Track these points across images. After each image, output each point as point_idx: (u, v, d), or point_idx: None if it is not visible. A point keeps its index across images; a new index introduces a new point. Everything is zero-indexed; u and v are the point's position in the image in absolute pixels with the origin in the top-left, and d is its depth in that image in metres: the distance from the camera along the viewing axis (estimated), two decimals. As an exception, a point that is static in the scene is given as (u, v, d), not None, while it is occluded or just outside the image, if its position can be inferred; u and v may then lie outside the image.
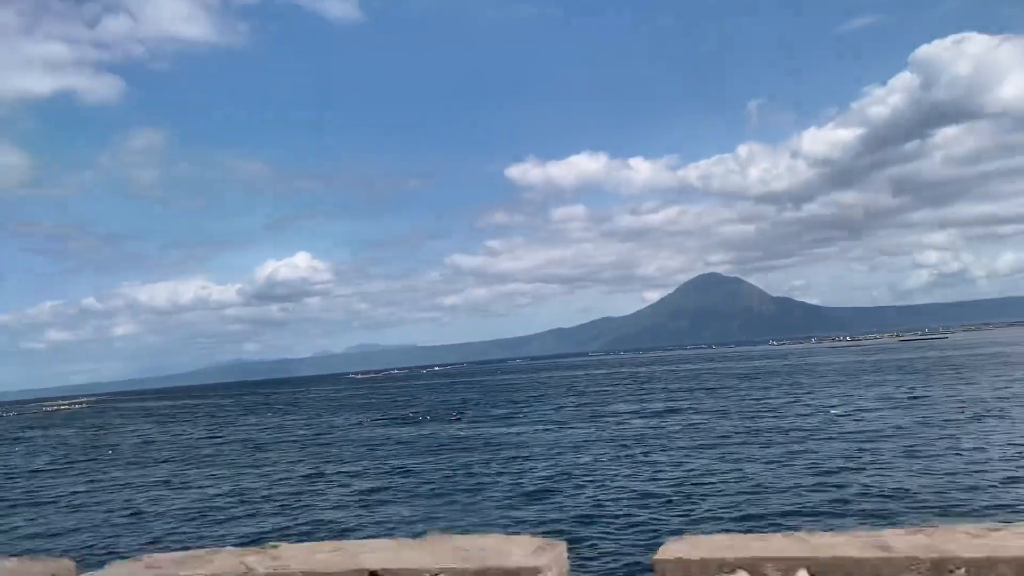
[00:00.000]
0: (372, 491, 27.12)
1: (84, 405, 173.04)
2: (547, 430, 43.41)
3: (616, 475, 26.43)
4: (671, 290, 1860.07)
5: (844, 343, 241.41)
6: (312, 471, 33.06)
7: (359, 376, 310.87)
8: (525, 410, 60.11)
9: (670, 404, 54.92)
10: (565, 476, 27.09)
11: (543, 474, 27.97)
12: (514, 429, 45.15)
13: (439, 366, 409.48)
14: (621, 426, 42.66)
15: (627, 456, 30.90)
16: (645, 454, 31.08)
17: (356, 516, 22.90)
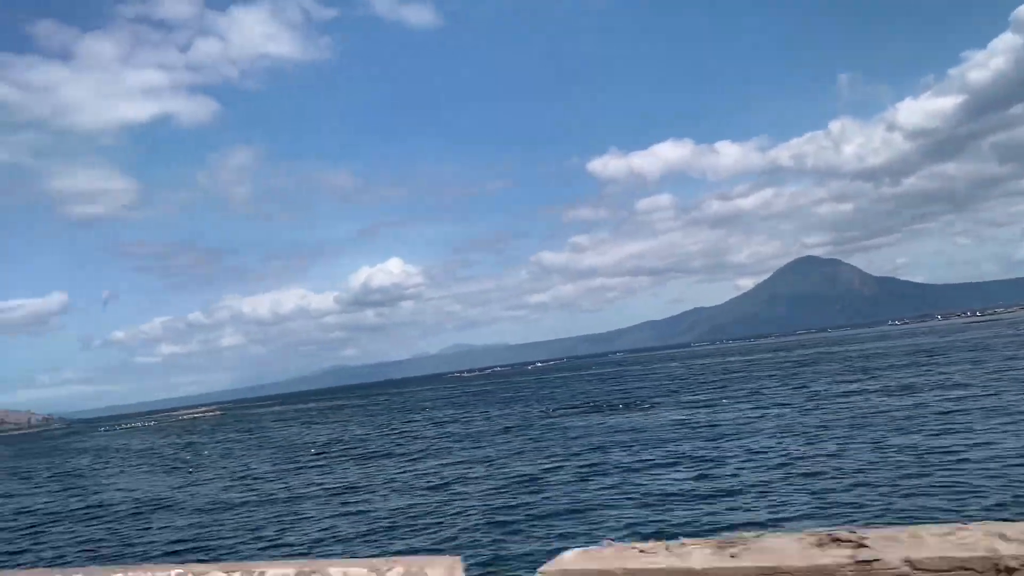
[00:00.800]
0: (756, 482, 23.91)
1: (218, 412, 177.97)
2: (760, 414, 39.52)
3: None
4: (766, 276, 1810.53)
5: (981, 318, 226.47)
6: (599, 461, 29.72)
7: (466, 374, 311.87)
8: (703, 396, 56.22)
9: (872, 384, 50.01)
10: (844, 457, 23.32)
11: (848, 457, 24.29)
12: (728, 414, 41.52)
13: (541, 362, 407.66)
14: (851, 408, 38.32)
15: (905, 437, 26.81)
16: (936, 433, 26.92)
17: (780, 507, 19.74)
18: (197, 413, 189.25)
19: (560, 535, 17.84)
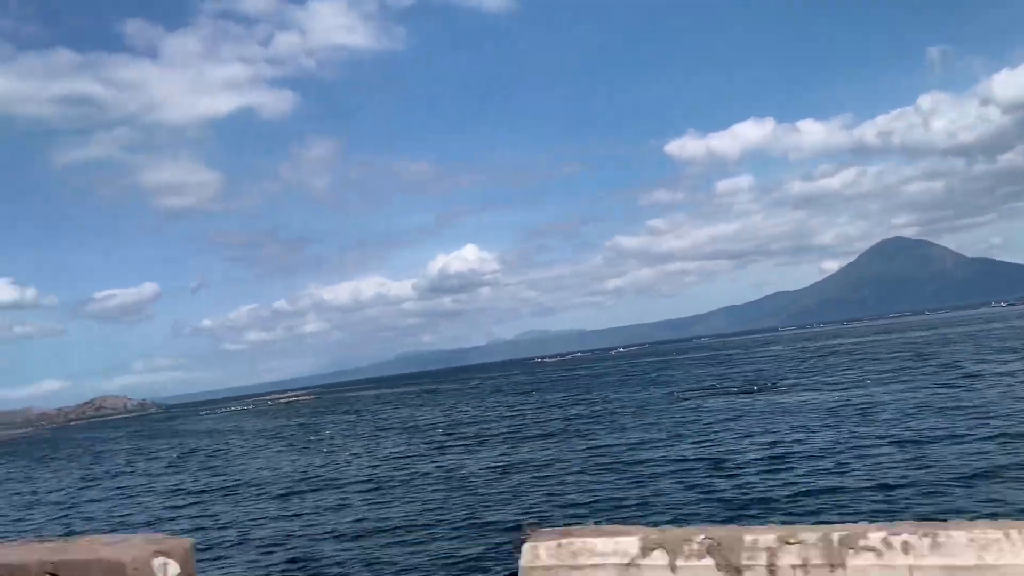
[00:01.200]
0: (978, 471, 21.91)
1: (311, 396, 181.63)
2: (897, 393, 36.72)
3: None
4: (851, 258, 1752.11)
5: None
6: (776, 441, 27.75)
7: (547, 359, 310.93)
8: (836, 377, 53.25)
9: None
10: None
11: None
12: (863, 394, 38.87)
13: (623, 347, 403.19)
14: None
15: None
16: None
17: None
18: (291, 397, 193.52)
19: (822, 520, 16.12)
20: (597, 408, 51.47)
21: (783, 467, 22.62)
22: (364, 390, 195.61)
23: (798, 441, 27.16)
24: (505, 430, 44.01)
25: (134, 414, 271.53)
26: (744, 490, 20.14)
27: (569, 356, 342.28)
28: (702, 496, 20.16)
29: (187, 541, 4.94)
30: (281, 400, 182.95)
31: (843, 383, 47.68)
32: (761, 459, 24.31)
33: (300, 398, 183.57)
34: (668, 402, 49.64)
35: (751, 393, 49.05)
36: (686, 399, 50.24)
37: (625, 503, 20.21)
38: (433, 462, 33.40)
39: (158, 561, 4.69)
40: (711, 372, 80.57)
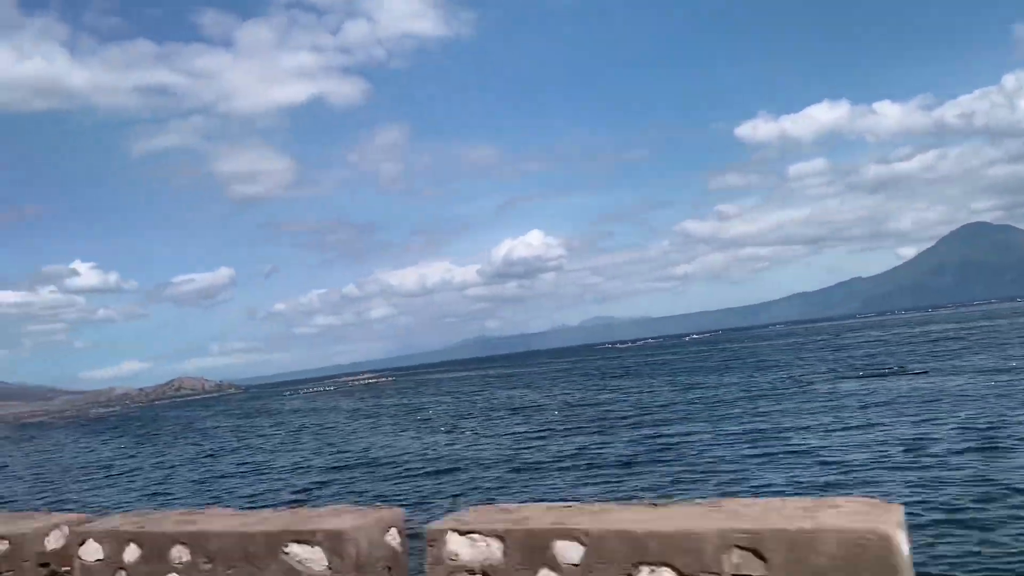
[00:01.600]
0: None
1: (391, 378, 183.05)
2: None
3: None
4: (930, 244, 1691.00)
5: None
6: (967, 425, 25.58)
7: (618, 345, 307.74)
8: (975, 360, 49.90)
9: None
10: None
11: None
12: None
13: (696, 334, 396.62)
14: None
15: None
16: None
17: None
18: (369, 379, 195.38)
19: None
20: (721, 391, 49.23)
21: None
22: (440, 373, 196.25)
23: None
24: (632, 411, 42.31)
25: (214, 394, 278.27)
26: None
27: (641, 342, 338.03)
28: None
29: (399, 511, 5.12)
30: (359, 381, 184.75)
31: (987, 367, 44.49)
32: (968, 445, 22.04)
33: (379, 380, 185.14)
34: (797, 386, 47.14)
35: (884, 376, 46.29)
36: (812, 383, 47.68)
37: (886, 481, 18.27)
38: (570, 441, 31.96)
39: (390, 532, 4.93)
40: (817, 357, 77.23)
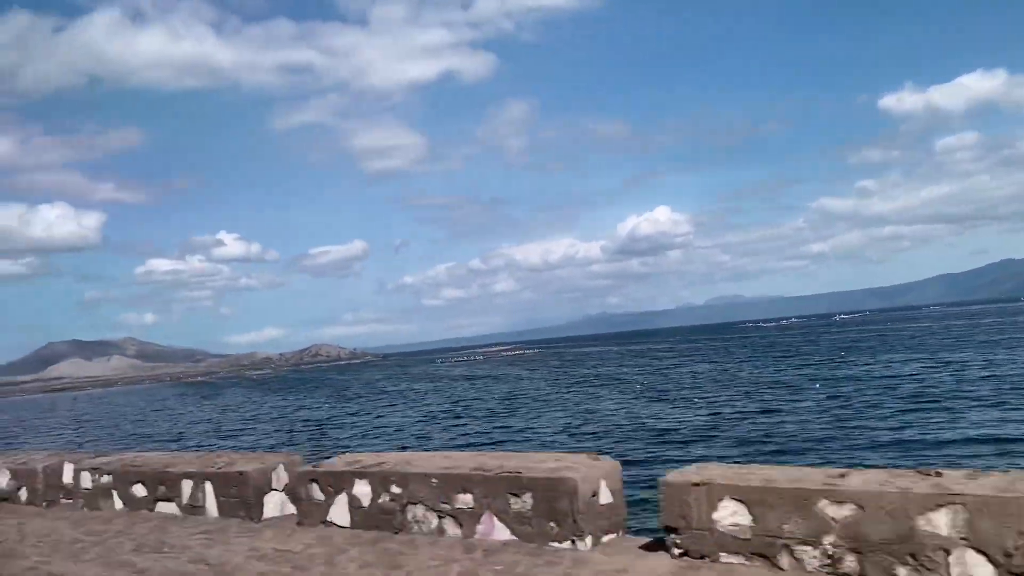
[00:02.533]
0: None
1: (536, 351, 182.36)
2: None
3: None
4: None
5: None
6: None
7: (764, 324, 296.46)
8: None
9: None
10: None
11: None
12: None
13: (845, 314, 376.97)
14: None
15: None
16: None
17: None
18: (515, 351, 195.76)
19: None
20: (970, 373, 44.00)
21: None
22: (578, 347, 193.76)
23: None
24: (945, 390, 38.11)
25: (355, 360, 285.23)
26: None
27: (785, 321, 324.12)
28: None
29: (616, 463, 5.80)
30: (504, 353, 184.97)
31: None
32: None
33: (525, 352, 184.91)
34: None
35: None
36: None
37: None
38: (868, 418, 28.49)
39: (602, 481, 5.57)
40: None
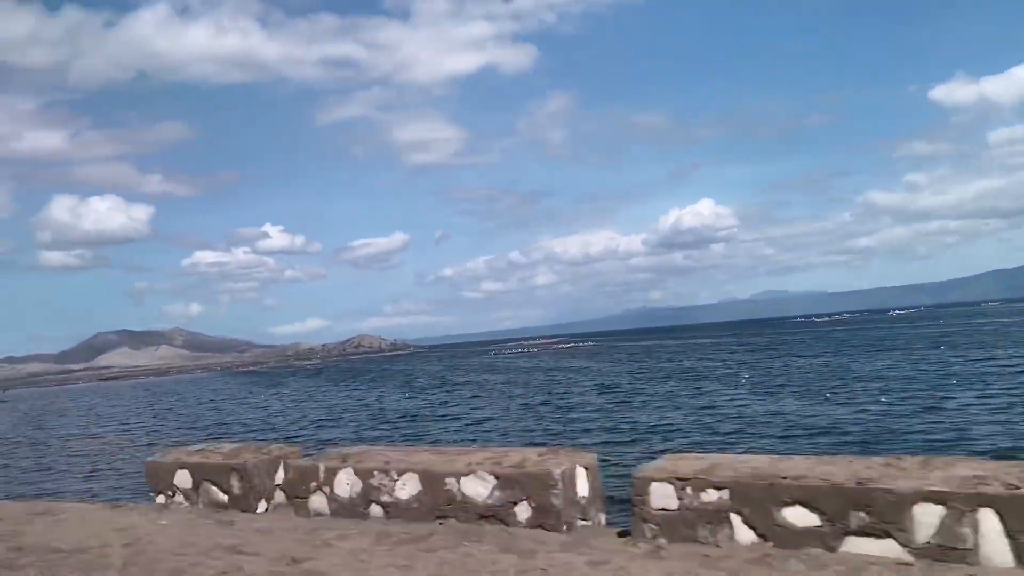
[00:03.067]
0: None
1: (591, 344, 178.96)
2: None
3: None
4: None
5: None
6: None
7: (816, 319, 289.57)
8: None
9: None
10: None
11: None
12: None
13: (899, 309, 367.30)
14: None
15: None
16: None
17: None
18: (569, 344, 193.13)
19: None
20: None
21: None
22: (640, 340, 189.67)
23: None
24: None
25: (401, 352, 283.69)
26: None
27: (837, 317, 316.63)
28: None
29: (593, 456, 6.23)
30: (559, 346, 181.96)
31: None
32: None
33: (579, 344, 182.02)
34: None
35: None
36: None
37: None
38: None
39: (580, 472, 5.91)
40: None
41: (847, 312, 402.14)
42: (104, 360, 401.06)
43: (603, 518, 6.10)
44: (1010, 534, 4.23)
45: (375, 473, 6.53)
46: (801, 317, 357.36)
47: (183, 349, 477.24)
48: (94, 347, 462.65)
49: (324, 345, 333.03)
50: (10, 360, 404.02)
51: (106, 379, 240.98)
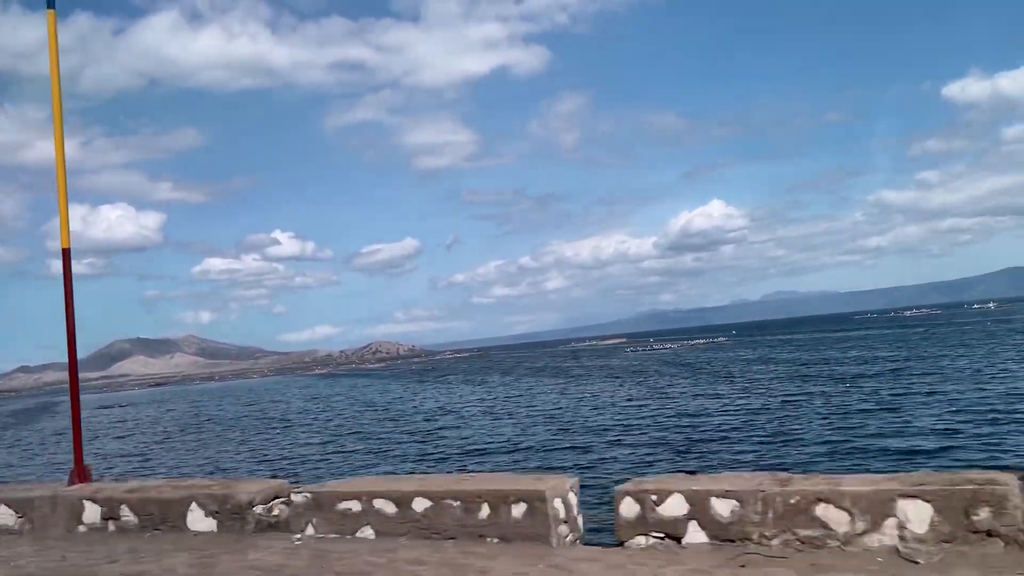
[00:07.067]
0: None
1: (625, 340, 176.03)
2: None
3: None
4: None
5: None
6: None
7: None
8: None
9: None
10: None
11: None
12: None
13: (914, 309, 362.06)
14: None
15: None
16: None
17: None
18: (602, 344, 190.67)
19: None
20: None
21: None
22: (671, 342, 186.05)
23: None
24: None
25: (415, 359, 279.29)
26: None
27: (858, 317, 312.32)
28: None
29: (575, 479, 6.45)
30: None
31: None
32: None
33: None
34: None
35: None
36: None
37: None
38: None
39: (571, 493, 6.20)
40: None
41: (872, 312, 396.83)
42: (120, 368, 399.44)
43: None
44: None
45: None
46: (817, 318, 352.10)
47: (197, 356, 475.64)
48: (109, 355, 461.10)
49: (342, 351, 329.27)
50: (25, 369, 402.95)
51: (118, 388, 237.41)
